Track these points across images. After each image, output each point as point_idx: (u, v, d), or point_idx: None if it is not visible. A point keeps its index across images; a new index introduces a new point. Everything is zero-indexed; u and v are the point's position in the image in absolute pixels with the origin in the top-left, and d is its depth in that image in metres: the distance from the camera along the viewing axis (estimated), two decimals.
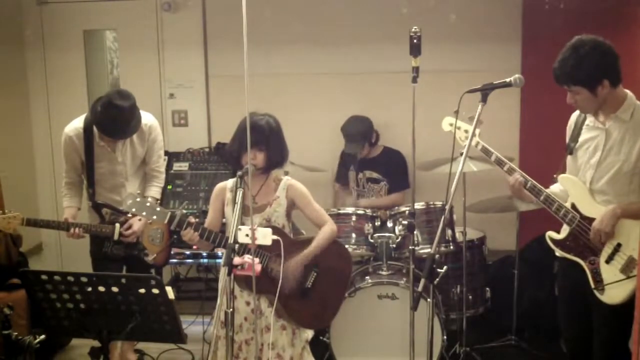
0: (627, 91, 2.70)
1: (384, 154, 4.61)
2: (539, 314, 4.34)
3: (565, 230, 2.81)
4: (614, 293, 2.65)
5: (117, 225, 3.47)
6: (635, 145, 2.64)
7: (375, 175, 4.57)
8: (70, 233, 3.38)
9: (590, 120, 2.79)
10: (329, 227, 3.06)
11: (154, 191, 3.66)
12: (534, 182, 2.80)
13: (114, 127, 3.39)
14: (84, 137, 3.49)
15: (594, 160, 2.74)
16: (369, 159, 4.60)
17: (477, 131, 2.83)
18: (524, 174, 2.81)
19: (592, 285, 2.70)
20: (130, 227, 3.46)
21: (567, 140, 2.89)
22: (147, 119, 3.60)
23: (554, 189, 2.91)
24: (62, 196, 3.62)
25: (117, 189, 3.60)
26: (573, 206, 2.76)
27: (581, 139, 2.82)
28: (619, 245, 2.66)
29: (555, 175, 2.89)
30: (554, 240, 2.84)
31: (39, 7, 5.10)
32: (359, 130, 4.52)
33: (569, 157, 2.88)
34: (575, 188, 2.79)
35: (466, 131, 2.90)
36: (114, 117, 3.34)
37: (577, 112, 2.89)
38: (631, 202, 2.65)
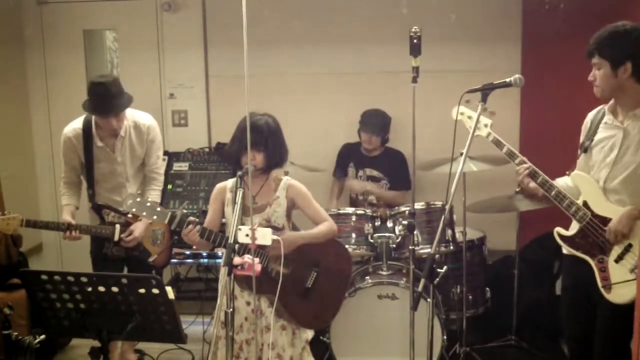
0: None
1: (385, 153, 4.61)
2: (539, 314, 4.35)
3: (574, 227, 2.80)
4: (621, 292, 2.64)
5: (117, 226, 3.47)
6: None
7: (375, 173, 4.57)
8: (66, 235, 3.38)
9: (608, 118, 2.78)
10: (329, 224, 3.06)
11: (153, 195, 3.65)
12: (546, 177, 2.78)
13: (105, 102, 3.38)
14: (82, 137, 3.49)
15: (610, 159, 2.73)
16: (370, 157, 4.60)
17: (490, 122, 2.82)
18: (535, 168, 2.79)
19: (600, 284, 2.69)
20: (131, 233, 3.46)
21: (582, 138, 2.88)
22: (146, 119, 3.61)
23: (560, 182, 2.90)
24: (61, 195, 3.63)
25: (117, 190, 3.60)
26: (585, 204, 2.75)
27: (597, 137, 2.81)
28: (630, 245, 2.65)
29: (567, 173, 2.88)
30: (562, 237, 2.82)
31: (39, 7, 5.10)
32: (381, 119, 4.53)
33: (582, 156, 2.87)
34: (588, 186, 2.77)
35: (474, 119, 2.87)
36: (100, 95, 3.36)
37: (594, 111, 2.88)
38: None
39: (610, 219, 2.68)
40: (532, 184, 2.79)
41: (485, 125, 2.82)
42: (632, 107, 2.68)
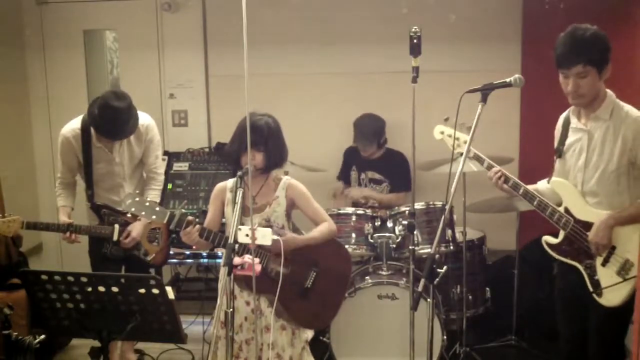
0: (608, 90, 2.70)
1: (386, 155, 4.61)
2: (539, 314, 4.34)
3: (561, 234, 2.81)
4: (612, 296, 2.65)
5: (116, 226, 3.47)
6: (617, 143, 2.65)
7: (377, 176, 4.57)
8: (65, 236, 3.39)
9: (573, 122, 2.80)
10: (328, 225, 3.05)
11: (153, 195, 3.64)
12: (527, 187, 2.79)
13: (112, 128, 3.38)
14: (81, 138, 3.48)
15: (581, 162, 2.75)
16: (372, 159, 4.60)
17: (468, 138, 2.83)
18: (516, 179, 2.80)
19: (590, 289, 2.71)
20: (128, 234, 3.46)
21: (556, 144, 2.90)
22: (144, 119, 3.60)
23: (539, 186, 2.91)
24: (57, 195, 3.62)
25: (115, 189, 3.60)
26: (566, 210, 2.77)
27: (567, 141, 2.83)
28: (613, 248, 2.66)
29: (547, 180, 2.90)
30: (550, 245, 2.85)
31: (39, 7, 5.10)
32: (373, 128, 4.53)
33: (558, 161, 2.89)
34: (568, 192, 2.79)
35: (457, 139, 2.90)
36: (111, 119, 3.33)
37: (563, 115, 2.90)
38: (623, 209, 2.66)
39: (592, 223, 2.69)
40: (506, 186, 2.80)
41: (465, 142, 2.82)
42: (594, 109, 2.70)
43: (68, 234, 3.38)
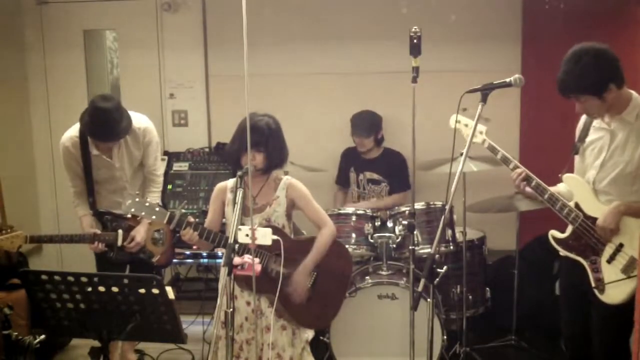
0: (632, 92, 2.70)
1: (385, 155, 4.61)
2: (539, 314, 4.35)
3: (568, 229, 2.81)
4: (614, 293, 2.66)
5: (120, 231, 3.47)
6: (639, 146, 2.64)
7: (375, 176, 4.57)
8: (93, 246, 3.40)
9: (596, 121, 2.80)
10: (328, 231, 3.05)
11: (153, 196, 3.64)
12: (539, 180, 2.81)
13: (105, 131, 3.37)
14: (80, 145, 3.47)
15: (599, 161, 2.75)
16: (370, 160, 4.60)
17: (484, 129, 2.84)
18: (529, 172, 2.82)
19: (593, 284, 2.71)
20: (132, 239, 3.46)
21: (576, 140, 2.90)
22: (141, 121, 3.58)
23: (560, 188, 2.92)
24: (75, 206, 3.60)
25: (119, 192, 3.60)
26: (577, 205, 2.77)
27: (588, 139, 2.83)
28: (621, 245, 2.67)
29: (560, 175, 2.90)
30: (556, 239, 2.85)
31: (39, 7, 5.10)
32: (369, 121, 4.54)
33: (577, 157, 2.90)
34: (579, 187, 2.80)
35: (467, 125, 2.91)
36: (102, 121, 3.32)
37: None
38: (634, 201, 2.66)
39: None
40: (528, 188, 2.83)
41: (480, 132, 2.86)
42: (619, 111, 2.69)
43: (96, 243, 3.39)
